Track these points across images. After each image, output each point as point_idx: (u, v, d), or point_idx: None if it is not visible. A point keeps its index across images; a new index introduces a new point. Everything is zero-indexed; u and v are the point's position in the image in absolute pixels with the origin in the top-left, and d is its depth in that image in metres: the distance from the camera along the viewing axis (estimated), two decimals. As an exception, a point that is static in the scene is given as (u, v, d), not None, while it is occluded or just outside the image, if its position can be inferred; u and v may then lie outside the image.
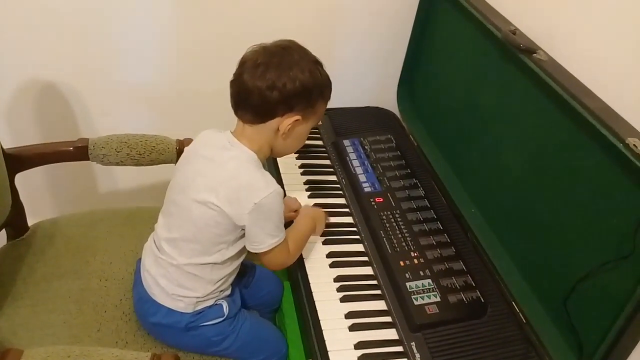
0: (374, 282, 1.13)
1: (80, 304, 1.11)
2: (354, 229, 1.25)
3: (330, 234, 1.22)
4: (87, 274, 1.17)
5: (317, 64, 1.01)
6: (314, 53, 1.02)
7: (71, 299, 1.12)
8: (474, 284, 1.12)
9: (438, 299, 1.07)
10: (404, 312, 1.06)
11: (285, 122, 0.98)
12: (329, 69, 1.03)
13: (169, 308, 1.04)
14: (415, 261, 1.15)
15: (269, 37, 1.01)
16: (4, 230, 1.19)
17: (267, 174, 1.00)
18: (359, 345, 1.00)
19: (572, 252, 0.99)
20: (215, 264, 1.02)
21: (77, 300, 1.12)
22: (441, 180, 1.36)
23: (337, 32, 1.57)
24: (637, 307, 0.83)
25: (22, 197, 1.24)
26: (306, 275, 1.13)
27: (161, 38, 1.47)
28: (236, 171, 0.98)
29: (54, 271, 1.17)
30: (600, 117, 0.89)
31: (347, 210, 1.30)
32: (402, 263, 1.14)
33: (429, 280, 1.11)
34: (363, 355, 0.99)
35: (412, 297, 1.07)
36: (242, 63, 0.99)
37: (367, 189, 1.32)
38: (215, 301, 1.07)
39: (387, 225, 1.23)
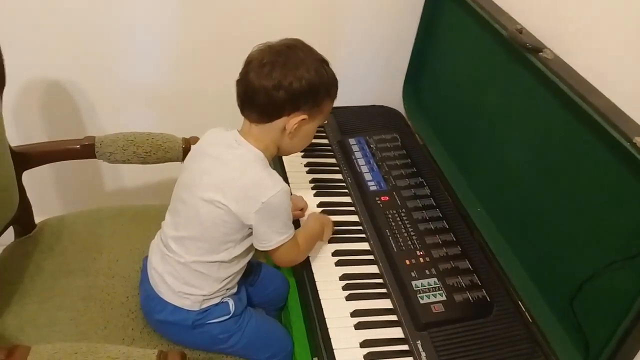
0: (380, 280, 1.13)
1: (87, 301, 1.12)
2: (360, 227, 1.25)
3: (336, 233, 1.22)
4: (93, 271, 1.18)
5: (323, 62, 1.01)
6: (319, 51, 1.02)
7: (78, 296, 1.12)
8: (479, 283, 1.12)
9: (444, 298, 1.07)
10: (409, 311, 1.06)
11: (292, 121, 0.98)
12: (335, 67, 1.03)
13: (175, 305, 1.04)
14: (421, 260, 1.15)
15: (273, 35, 1.01)
16: (11, 227, 1.19)
17: (274, 172, 1.00)
18: (364, 344, 1.00)
19: (578, 252, 0.99)
20: (222, 262, 1.03)
21: (84, 297, 1.12)
22: (447, 178, 1.36)
23: (343, 30, 1.57)
24: (643, 307, 0.83)
25: (30, 195, 1.24)
26: (312, 273, 1.13)
27: (167, 36, 1.47)
28: (243, 170, 0.98)
29: (61, 268, 1.17)
30: (607, 115, 0.88)
31: (352, 208, 1.30)
32: (407, 262, 1.14)
33: (435, 279, 1.11)
34: (369, 353, 0.99)
35: (418, 295, 1.07)
36: (248, 62, 0.99)
37: (373, 188, 1.32)
38: (222, 299, 1.07)
39: (393, 223, 1.23)
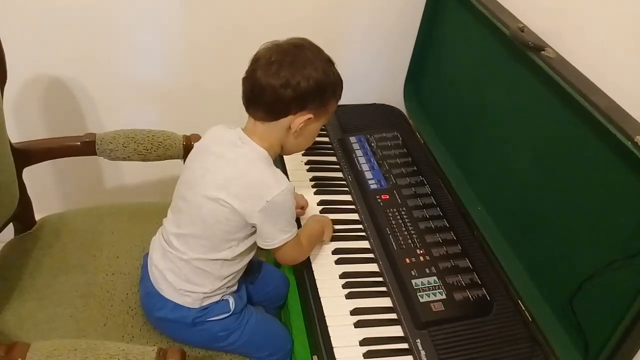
0: (380, 279, 1.13)
1: (87, 298, 1.12)
2: (360, 225, 1.25)
3: (336, 231, 1.21)
4: (93, 268, 1.18)
5: (330, 62, 1.01)
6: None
7: (78, 293, 1.12)
8: (479, 282, 1.12)
9: (444, 297, 1.07)
10: (409, 309, 1.06)
11: (298, 120, 0.98)
12: (336, 65, 1.03)
13: (175, 303, 1.04)
14: (421, 258, 1.15)
15: (275, 34, 1.01)
16: (11, 224, 1.19)
17: (278, 171, 1.00)
18: (364, 342, 1.00)
19: (578, 251, 0.98)
20: (225, 260, 1.03)
21: (83, 294, 1.12)
22: (447, 177, 1.36)
23: (344, 29, 1.57)
24: (643, 307, 0.82)
25: (30, 192, 1.24)
26: (312, 271, 1.13)
27: (168, 34, 1.47)
28: (247, 168, 0.98)
29: (61, 265, 1.17)
30: (608, 114, 0.88)
31: (353, 207, 1.30)
32: (407, 260, 1.14)
33: (435, 278, 1.11)
34: (368, 351, 0.99)
35: (418, 294, 1.07)
36: (255, 60, 0.98)
37: (373, 186, 1.32)
38: (222, 297, 1.07)
39: (393, 222, 1.23)
